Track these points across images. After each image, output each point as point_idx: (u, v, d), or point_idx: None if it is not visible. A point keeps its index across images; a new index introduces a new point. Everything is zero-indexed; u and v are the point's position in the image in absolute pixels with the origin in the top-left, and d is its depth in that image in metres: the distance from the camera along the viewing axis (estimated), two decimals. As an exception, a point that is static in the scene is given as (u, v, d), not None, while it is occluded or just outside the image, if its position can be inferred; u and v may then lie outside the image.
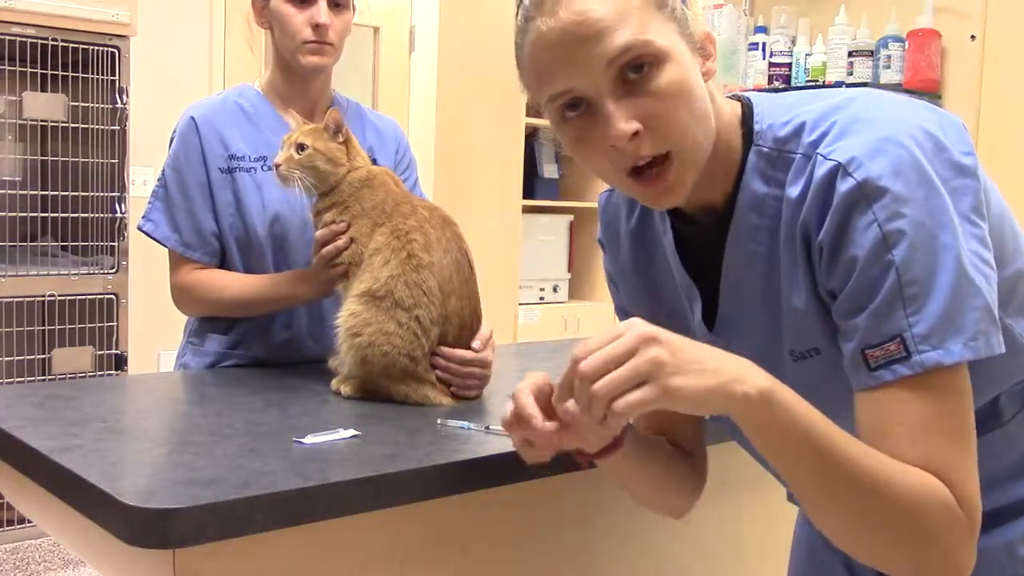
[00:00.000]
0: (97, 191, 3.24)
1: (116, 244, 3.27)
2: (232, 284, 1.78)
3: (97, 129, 3.23)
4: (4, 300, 3.06)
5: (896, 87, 3.33)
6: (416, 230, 1.54)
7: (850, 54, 3.47)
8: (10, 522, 3.13)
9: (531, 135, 4.56)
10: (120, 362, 3.28)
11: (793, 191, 0.91)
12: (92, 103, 3.21)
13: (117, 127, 3.25)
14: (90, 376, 3.20)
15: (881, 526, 0.83)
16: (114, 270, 3.25)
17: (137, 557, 1.02)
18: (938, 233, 0.83)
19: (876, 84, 3.40)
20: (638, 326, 0.82)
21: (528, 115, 4.33)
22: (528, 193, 4.49)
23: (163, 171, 1.81)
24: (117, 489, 1.01)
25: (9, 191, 3.20)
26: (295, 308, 1.80)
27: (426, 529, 1.20)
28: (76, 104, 3.19)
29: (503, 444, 1.27)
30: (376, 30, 4.40)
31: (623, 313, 1.17)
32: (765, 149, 0.94)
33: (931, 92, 3.30)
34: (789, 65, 3.65)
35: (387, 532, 1.16)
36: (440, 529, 1.22)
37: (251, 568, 1.06)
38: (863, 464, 0.82)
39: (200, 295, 1.79)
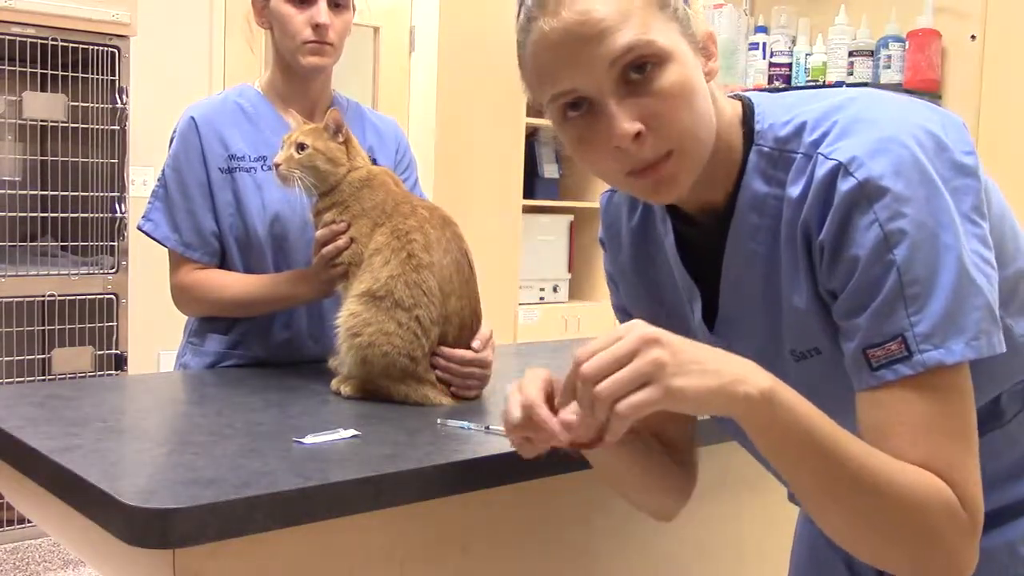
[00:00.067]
0: (97, 191, 3.24)
1: (116, 244, 3.27)
2: (232, 284, 1.78)
3: (97, 129, 3.23)
4: (4, 300, 3.06)
5: (896, 87, 3.33)
6: (416, 230, 1.54)
7: (850, 54, 3.47)
8: (10, 522, 3.13)
9: (531, 135, 4.56)
10: (120, 362, 3.28)
11: (794, 191, 0.91)
12: (92, 103, 3.21)
13: (117, 127, 3.25)
14: (90, 376, 3.20)
15: (883, 526, 0.83)
16: (114, 270, 3.25)
17: (137, 557, 1.02)
18: (939, 233, 0.83)
19: (876, 84, 3.40)
20: (639, 327, 0.82)
21: (528, 115, 4.33)
22: (528, 193, 4.49)
23: (163, 171, 1.81)
24: (117, 489, 1.01)
25: (9, 191, 3.20)
26: (295, 308, 1.80)
27: (426, 529, 1.20)
28: (76, 104, 3.19)
29: (503, 444, 1.27)
30: (376, 30, 4.40)
31: (622, 313, 1.17)
32: (766, 149, 0.94)
33: (931, 92, 3.30)
34: (789, 65, 3.65)
35: (387, 532, 1.16)
36: (440, 529, 1.22)
37: (251, 568, 1.06)
38: (865, 464, 0.82)
39: (200, 295, 1.79)
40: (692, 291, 1.03)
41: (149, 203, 1.82)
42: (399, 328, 1.49)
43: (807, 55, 3.59)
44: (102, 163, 3.25)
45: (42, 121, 3.26)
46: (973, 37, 3.28)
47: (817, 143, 0.89)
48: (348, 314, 1.53)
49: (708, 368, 0.81)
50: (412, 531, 1.19)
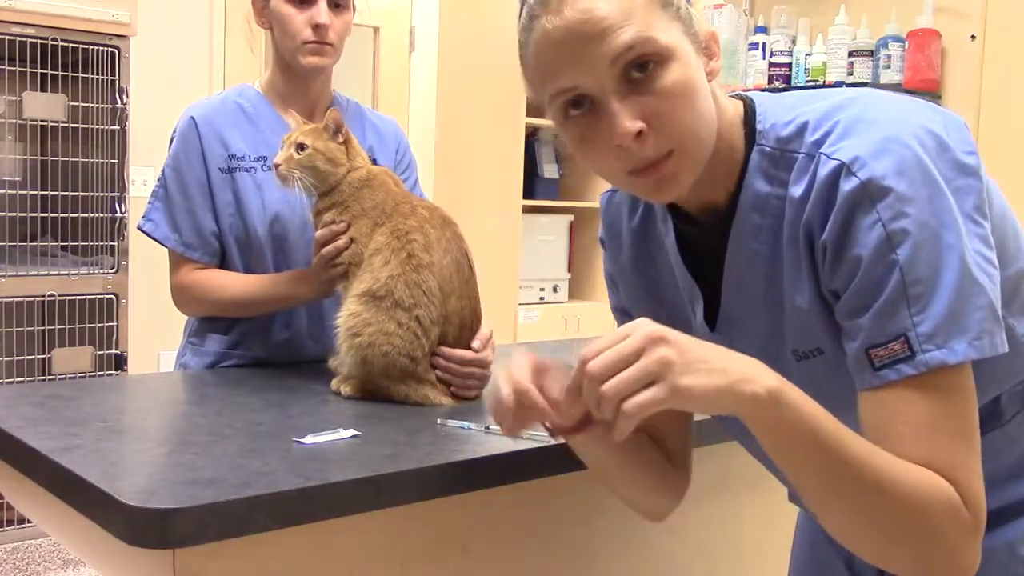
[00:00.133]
0: (97, 191, 3.25)
1: (116, 244, 3.27)
2: (232, 284, 1.78)
3: (97, 129, 3.23)
4: (4, 300, 3.06)
5: (896, 87, 3.33)
6: (416, 230, 1.54)
7: (850, 54, 3.47)
8: (10, 522, 3.13)
9: (531, 135, 4.56)
10: (120, 362, 3.28)
11: (796, 190, 0.91)
12: (92, 103, 3.21)
13: (117, 127, 3.25)
14: (90, 376, 3.20)
15: (887, 525, 0.83)
16: (114, 270, 3.25)
17: (137, 557, 1.02)
18: (942, 233, 0.83)
19: (876, 84, 3.40)
20: (646, 326, 0.82)
21: (528, 115, 4.33)
22: (528, 193, 4.49)
23: (163, 171, 1.81)
24: (117, 489, 1.01)
25: (9, 191, 3.20)
26: (295, 308, 1.80)
27: (426, 529, 1.20)
28: (76, 104, 3.19)
29: (503, 444, 1.28)
30: (376, 30, 4.40)
31: (621, 314, 1.17)
32: (768, 148, 0.94)
33: (931, 92, 3.30)
34: (789, 65, 3.65)
35: (387, 532, 1.16)
36: (440, 529, 1.22)
37: (251, 568, 1.06)
38: (870, 463, 0.82)
39: (200, 295, 1.79)
40: (693, 291, 1.03)
41: (149, 203, 1.82)
42: (399, 328, 1.49)
43: (807, 55, 3.59)
44: (102, 163, 3.25)
45: (42, 121, 3.26)
46: (973, 37, 3.28)
47: (819, 143, 0.89)
48: (348, 314, 1.53)
49: (715, 367, 0.81)
50: (412, 531, 1.19)
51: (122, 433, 1.29)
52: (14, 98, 3.16)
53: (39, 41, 3.05)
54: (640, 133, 0.87)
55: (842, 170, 0.86)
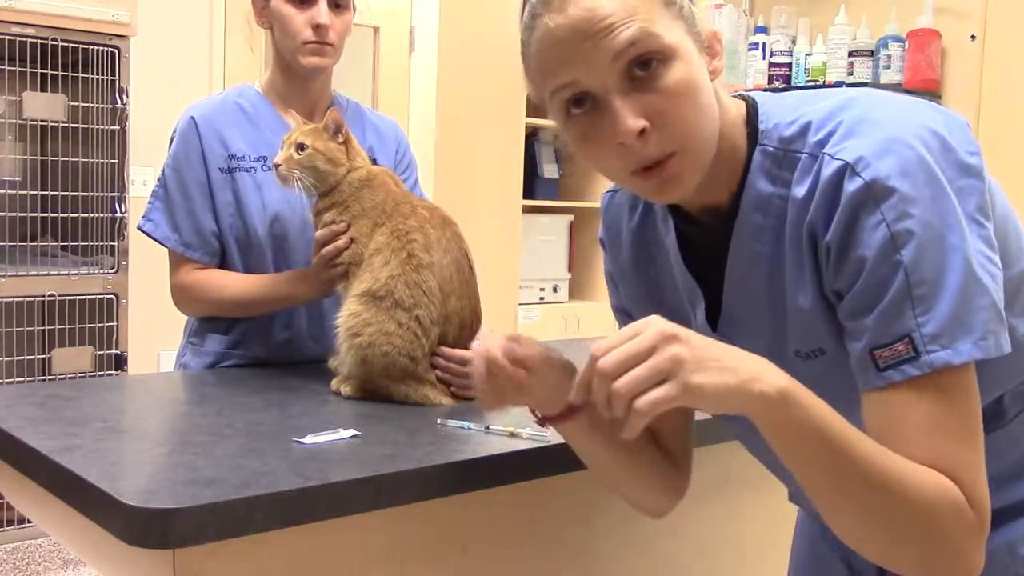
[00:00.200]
0: (97, 191, 3.24)
1: (116, 244, 3.27)
2: (232, 284, 1.78)
3: (97, 129, 3.23)
4: (4, 300, 3.06)
5: (896, 87, 3.32)
6: (416, 230, 1.54)
7: (850, 54, 3.47)
8: (10, 522, 3.13)
9: (531, 135, 4.56)
10: (120, 362, 3.28)
11: (799, 191, 0.91)
12: (92, 103, 3.21)
13: (117, 127, 3.25)
14: (90, 376, 3.20)
15: (893, 525, 0.83)
16: (114, 270, 3.25)
17: (137, 557, 1.02)
18: (946, 233, 0.83)
19: (876, 84, 3.40)
20: (657, 323, 0.82)
21: (528, 115, 4.33)
22: (528, 193, 4.49)
23: (163, 171, 1.81)
24: (117, 489, 1.01)
25: (9, 191, 3.20)
26: (295, 308, 1.80)
27: (426, 529, 1.20)
28: (76, 104, 3.19)
29: (503, 444, 1.28)
30: (376, 30, 4.39)
31: (622, 314, 1.17)
32: (770, 148, 0.94)
33: (931, 92, 3.30)
34: (789, 65, 3.65)
35: (387, 532, 1.16)
36: (440, 529, 1.22)
37: (251, 568, 1.06)
38: (877, 463, 0.82)
39: (200, 295, 1.79)
40: (694, 291, 1.03)
41: (149, 203, 1.82)
42: (399, 328, 1.49)
43: (807, 55, 3.59)
44: (102, 163, 3.25)
45: (42, 121, 3.26)
46: (973, 37, 3.28)
47: (822, 143, 0.89)
48: (348, 314, 1.53)
49: (726, 365, 0.81)
50: (412, 531, 1.19)
51: (122, 433, 1.28)
52: (14, 98, 3.16)
53: (39, 41, 3.05)
54: (643, 132, 0.87)
55: (846, 170, 0.86)
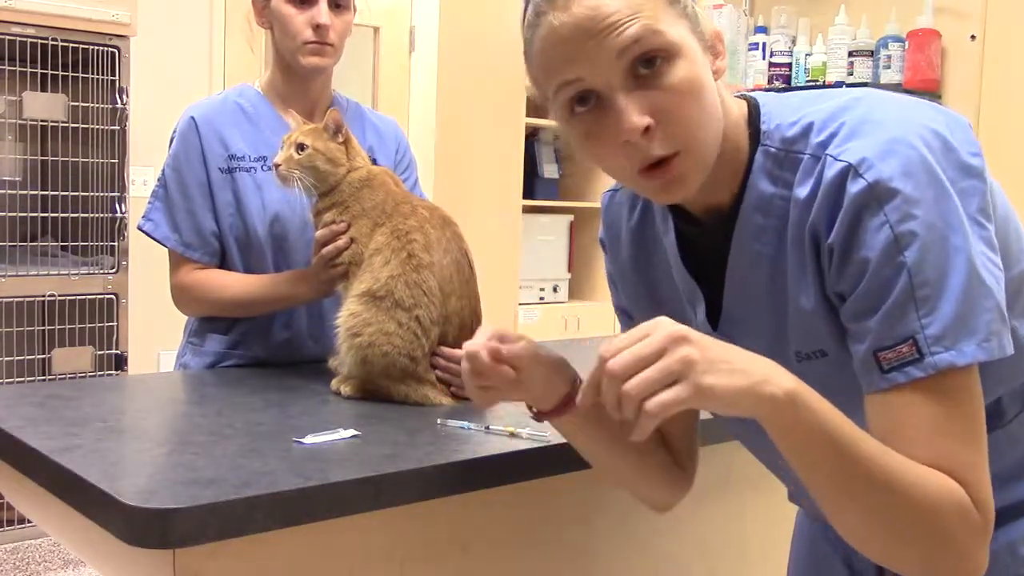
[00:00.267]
0: (97, 191, 3.24)
1: (116, 244, 3.27)
2: (232, 284, 1.78)
3: (97, 129, 3.23)
4: (4, 300, 3.06)
5: (896, 87, 3.32)
6: (416, 230, 1.54)
7: (850, 54, 3.47)
8: (10, 522, 3.13)
9: (531, 135, 4.56)
10: (120, 362, 3.28)
11: (801, 192, 0.91)
12: (92, 103, 3.21)
13: (117, 127, 3.25)
14: (90, 376, 3.19)
15: (898, 525, 0.84)
16: (114, 270, 3.25)
17: (137, 557, 1.02)
18: (949, 234, 0.83)
19: (876, 84, 3.40)
20: (666, 325, 0.82)
21: (528, 115, 4.33)
22: (528, 193, 4.49)
23: (163, 171, 1.81)
24: (117, 489, 1.01)
25: (9, 191, 3.20)
26: (295, 308, 1.80)
27: (426, 529, 1.20)
28: (76, 104, 3.19)
29: (503, 444, 1.28)
30: (376, 30, 4.39)
31: (622, 313, 1.17)
32: (772, 149, 0.94)
33: (931, 92, 3.30)
34: (789, 65, 3.65)
35: (387, 532, 1.16)
36: (440, 529, 1.22)
37: (251, 568, 1.06)
38: (883, 464, 0.82)
39: (200, 295, 1.79)
40: (693, 291, 1.03)
41: (149, 203, 1.82)
42: (399, 328, 1.49)
43: (807, 55, 3.59)
44: (102, 163, 3.25)
45: (42, 121, 3.26)
46: (973, 37, 3.28)
47: (825, 144, 0.89)
48: (348, 314, 1.53)
49: (736, 367, 0.80)
50: (412, 531, 1.19)
51: (122, 433, 1.28)
52: (14, 98, 3.16)
53: (39, 41, 3.05)
54: (647, 129, 0.87)
55: (849, 172, 0.86)
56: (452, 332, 1.54)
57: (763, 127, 0.95)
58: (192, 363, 1.85)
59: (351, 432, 1.28)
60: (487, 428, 1.33)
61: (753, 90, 1.22)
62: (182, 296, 1.81)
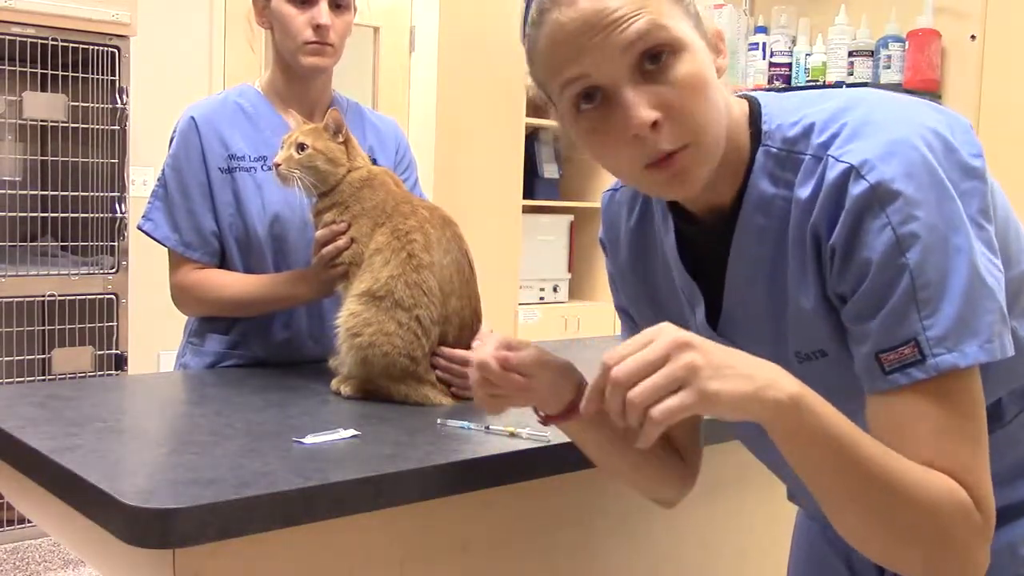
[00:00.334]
0: (97, 191, 3.25)
1: (116, 244, 3.27)
2: (232, 284, 1.78)
3: (97, 129, 3.23)
4: (4, 300, 3.06)
5: (896, 87, 3.33)
6: (416, 230, 1.54)
7: (850, 54, 3.47)
8: (10, 522, 3.13)
9: (531, 135, 4.56)
10: (120, 362, 3.28)
11: (803, 192, 0.91)
12: (92, 103, 3.21)
13: (117, 127, 3.25)
14: (90, 376, 3.20)
15: (900, 527, 0.84)
16: (114, 270, 3.25)
17: (137, 557, 1.02)
18: (950, 236, 0.83)
19: (876, 84, 3.40)
20: (669, 331, 0.81)
21: (528, 115, 4.33)
22: (528, 193, 4.49)
23: (163, 171, 1.81)
24: (117, 489, 1.01)
25: (9, 191, 3.20)
26: (295, 308, 1.80)
27: (426, 529, 1.20)
28: (76, 104, 3.19)
29: (503, 444, 1.28)
30: (376, 30, 4.39)
31: (623, 313, 1.17)
32: (773, 149, 0.94)
33: (931, 92, 3.30)
34: (789, 65, 3.65)
35: (387, 532, 1.16)
36: (440, 529, 1.22)
37: (251, 568, 1.06)
38: (886, 467, 0.82)
39: (200, 295, 1.79)
40: (693, 291, 1.03)
41: (149, 203, 1.82)
42: (399, 328, 1.49)
43: (807, 55, 3.59)
44: (102, 163, 3.25)
45: (42, 121, 3.26)
46: (973, 37, 3.28)
47: (826, 145, 0.89)
48: (348, 314, 1.53)
49: (741, 372, 0.80)
50: (412, 531, 1.19)
51: (122, 433, 1.29)
52: (14, 98, 3.16)
53: (39, 41, 3.05)
54: (655, 124, 0.87)
55: (851, 173, 0.86)
56: (452, 332, 1.54)
57: (764, 127, 0.95)
58: (192, 363, 1.85)
59: (351, 432, 1.29)
60: (487, 428, 1.33)
61: (753, 90, 1.22)
62: (182, 296, 1.81)
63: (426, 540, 1.20)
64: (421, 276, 1.51)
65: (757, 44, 3.72)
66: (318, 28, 1.75)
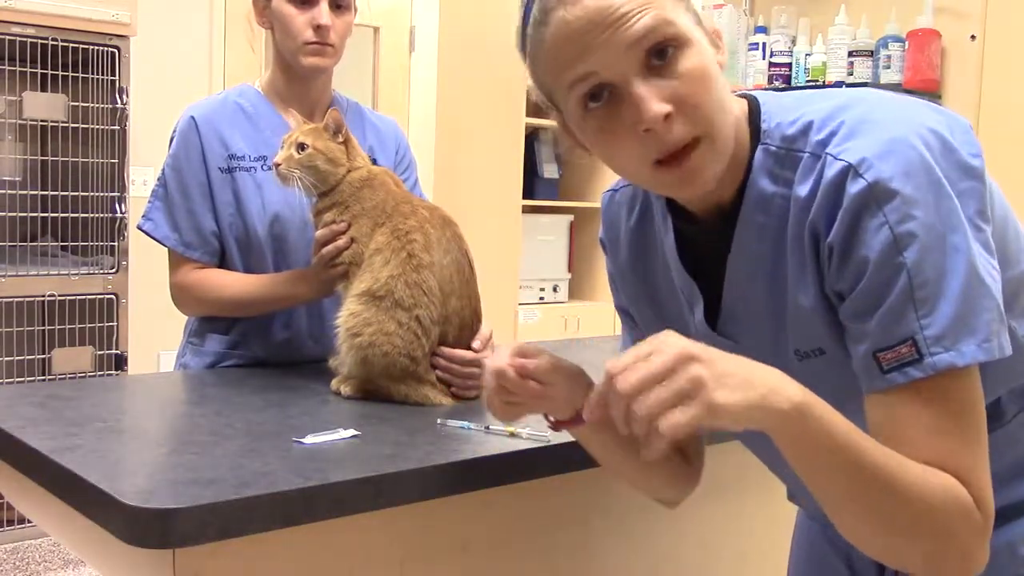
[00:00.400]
0: (97, 191, 3.25)
1: (116, 244, 3.27)
2: (232, 284, 1.78)
3: (97, 129, 3.23)
4: (4, 300, 3.06)
5: (896, 87, 3.33)
6: (416, 230, 1.54)
7: (850, 54, 3.47)
8: (10, 522, 3.13)
9: (531, 135, 4.56)
10: (120, 362, 3.28)
11: (801, 190, 0.91)
12: (92, 103, 3.21)
13: (117, 127, 3.25)
14: (90, 376, 3.20)
15: (902, 526, 0.84)
16: (114, 270, 3.26)
17: (137, 557, 1.02)
18: (948, 235, 0.83)
19: (876, 84, 3.40)
20: (674, 341, 0.80)
21: (528, 115, 4.33)
22: (528, 193, 4.49)
23: (163, 170, 1.81)
24: (117, 489, 1.01)
25: (9, 191, 3.20)
26: (295, 308, 1.80)
27: (426, 529, 1.20)
28: (76, 104, 3.19)
29: (503, 444, 1.28)
30: (376, 30, 4.40)
31: (623, 313, 1.17)
32: (773, 147, 0.94)
33: (931, 92, 3.30)
34: (789, 65, 3.65)
35: (387, 532, 1.16)
36: (440, 529, 1.22)
37: (251, 568, 1.06)
38: (889, 469, 0.82)
39: (200, 295, 1.79)
40: (692, 290, 1.03)
41: (149, 203, 1.82)
42: (399, 328, 1.49)
43: (807, 55, 3.59)
44: (102, 163, 3.25)
45: (42, 121, 3.26)
46: (973, 37, 3.28)
47: (824, 143, 0.89)
48: (348, 314, 1.53)
49: (744, 381, 0.79)
50: (412, 531, 1.19)
51: (122, 433, 1.29)
52: (14, 98, 3.16)
53: (39, 41, 3.05)
54: (667, 116, 0.87)
55: (849, 171, 0.86)
56: (452, 332, 1.54)
57: (763, 125, 0.95)
58: (192, 363, 1.85)
59: (351, 432, 1.29)
60: (487, 428, 1.33)
61: (753, 90, 1.22)
62: (182, 296, 1.81)
63: (426, 540, 1.20)
64: (421, 276, 1.51)
65: (757, 44, 3.72)
66: (319, 28, 1.75)
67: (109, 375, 3.23)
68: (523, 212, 4.42)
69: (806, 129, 0.92)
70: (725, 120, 0.90)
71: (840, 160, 0.87)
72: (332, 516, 1.08)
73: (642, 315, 1.13)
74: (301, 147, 1.59)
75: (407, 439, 1.28)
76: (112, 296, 3.24)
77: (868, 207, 0.84)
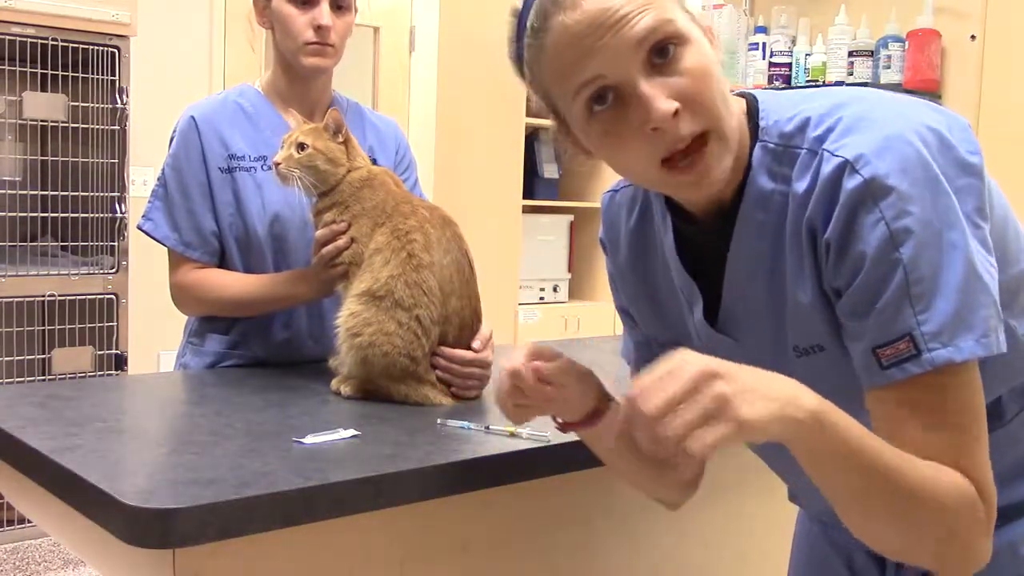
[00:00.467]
0: (97, 191, 3.25)
1: (116, 244, 3.27)
2: (232, 284, 1.78)
3: (97, 129, 3.23)
4: (4, 300, 3.06)
5: (896, 87, 3.33)
6: (416, 230, 1.54)
7: (850, 54, 3.47)
8: (10, 522, 3.13)
9: (531, 135, 4.56)
10: (120, 362, 3.28)
11: (799, 186, 0.91)
12: (92, 103, 3.21)
13: (117, 127, 3.25)
14: (90, 376, 3.20)
15: (913, 525, 0.84)
16: (114, 270, 3.26)
17: (137, 557, 1.02)
18: (945, 231, 0.83)
19: (876, 84, 3.40)
20: (694, 360, 0.79)
21: (528, 115, 4.33)
22: (528, 193, 4.49)
23: (163, 170, 1.81)
24: (117, 489, 1.01)
25: (9, 191, 3.20)
26: (295, 308, 1.80)
27: (426, 529, 1.20)
28: (76, 104, 3.19)
29: (503, 444, 1.28)
30: (376, 30, 4.39)
31: (624, 313, 1.17)
32: (771, 145, 0.94)
33: (931, 92, 3.30)
34: (789, 65, 3.65)
35: (387, 532, 1.16)
36: (440, 529, 1.22)
37: (251, 568, 1.06)
38: (901, 471, 0.82)
39: (200, 295, 1.79)
40: (692, 289, 1.03)
41: (149, 202, 1.82)
42: (399, 328, 1.49)
43: (807, 55, 3.59)
44: (102, 163, 3.25)
45: (42, 121, 3.26)
46: (973, 37, 3.28)
47: (822, 139, 0.89)
48: (348, 314, 1.53)
49: (763, 394, 0.78)
50: (412, 531, 1.19)
51: (122, 433, 1.29)
52: (14, 98, 3.16)
53: (39, 41, 3.05)
54: (675, 113, 0.87)
55: (845, 167, 0.86)
56: (452, 332, 1.54)
57: (762, 123, 0.95)
58: (192, 363, 1.85)
59: (351, 432, 1.29)
60: (487, 428, 1.33)
61: (752, 89, 1.22)
62: (182, 296, 1.81)
63: (426, 540, 1.20)
64: (421, 276, 1.51)
65: (757, 44, 3.72)
66: (319, 29, 1.75)
67: (109, 375, 3.23)
68: (523, 212, 4.42)
69: (804, 126, 0.92)
70: (730, 115, 0.91)
71: (837, 156, 0.87)
72: (332, 516, 1.08)
73: (642, 315, 1.13)
74: (301, 147, 1.59)
75: (407, 439, 1.28)
76: (112, 296, 3.24)
77: (864, 203, 0.85)
